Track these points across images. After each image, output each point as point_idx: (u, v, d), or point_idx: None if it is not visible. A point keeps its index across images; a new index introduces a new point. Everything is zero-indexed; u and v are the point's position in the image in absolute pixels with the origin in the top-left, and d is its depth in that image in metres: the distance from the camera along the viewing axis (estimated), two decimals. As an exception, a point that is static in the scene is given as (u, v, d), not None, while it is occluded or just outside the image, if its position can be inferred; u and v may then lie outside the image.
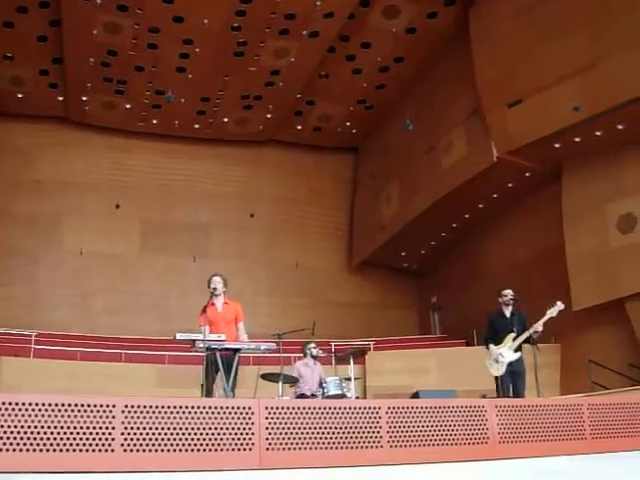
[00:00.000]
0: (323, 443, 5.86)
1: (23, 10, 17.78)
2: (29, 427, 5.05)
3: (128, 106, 22.18)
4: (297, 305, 23.85)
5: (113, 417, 5.30)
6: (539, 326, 9.10)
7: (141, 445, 5.33)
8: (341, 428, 5.96)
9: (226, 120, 23.39)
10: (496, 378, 9.28)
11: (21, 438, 5.01)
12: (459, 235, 22.56)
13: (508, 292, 9.60)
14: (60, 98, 21.96)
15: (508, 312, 9.56)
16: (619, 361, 16.15)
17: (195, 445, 5.47)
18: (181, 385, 15.85)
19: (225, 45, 19.12)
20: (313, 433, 5.86)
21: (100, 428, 5.24)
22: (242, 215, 24.85)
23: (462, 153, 19.11)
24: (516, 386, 9.19)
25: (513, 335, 9.23)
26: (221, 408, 5.68)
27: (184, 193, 24.49)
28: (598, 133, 16.06)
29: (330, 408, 6.03)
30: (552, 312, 9.17)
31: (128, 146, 24.07)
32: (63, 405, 5.19)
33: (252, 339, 8.81)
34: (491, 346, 9.39)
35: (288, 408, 5.89)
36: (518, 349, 9.20)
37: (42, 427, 5.08)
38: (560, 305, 9.19)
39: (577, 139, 16.46)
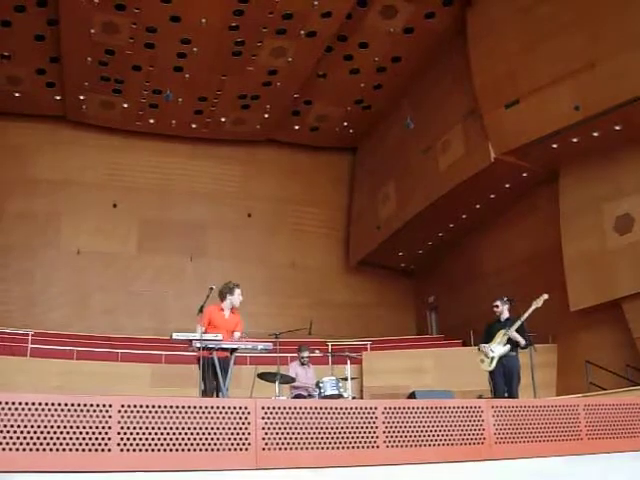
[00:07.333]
0: (319, 443, 5.87)
1: (21, 9, 17.73)
2: (25, 427, 5.05)
3: (125, 105, 22.14)
4: (294, 305, 23.81)
5: (110, 417, 5.31)
6: (526, 315, 9.43)
7: (137, 445, 5.33)
8: (337, 428, 5.97)
9: (223, 120, 23.37)
10: (490, 376, 9.44)
11: (17, 438, 5.01)
12: (456, 235, 22.56)
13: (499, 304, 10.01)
14: (57, 97, 21.91)
15: (503, 319, 9.88)
16: (616, 362, 16.15)
17: (191, 445, 5.47)
18: (177, 384, 15.89)
19: (223, 45, 19.09)
20: (309, 433, 5.86)
21: (97, 428, 5.24)
22: (239, 215, 24.85)
23: (459, 153, 19.10)
24: (510, 386, 9.29)
25: (504, 331, 9.50)
26: (217, 408, 5.68)
27: (181, 193, 24.47)
28: (595, 134, 16.05)
29: (326, 408, 6.03)
30: (537, 302, 9.52)
31: (125, 145, 24.04)
32: (60, 405, 5.19)
33: (249, 339, 8.82)
34: (481, 345, 9.70)
35: (284, 408, 5.89)
36: (508, 342, 9.42)
37: (39, 427, 5.08)
38: (544, 295, 9.52)
39: (574, 139, 16.45)
